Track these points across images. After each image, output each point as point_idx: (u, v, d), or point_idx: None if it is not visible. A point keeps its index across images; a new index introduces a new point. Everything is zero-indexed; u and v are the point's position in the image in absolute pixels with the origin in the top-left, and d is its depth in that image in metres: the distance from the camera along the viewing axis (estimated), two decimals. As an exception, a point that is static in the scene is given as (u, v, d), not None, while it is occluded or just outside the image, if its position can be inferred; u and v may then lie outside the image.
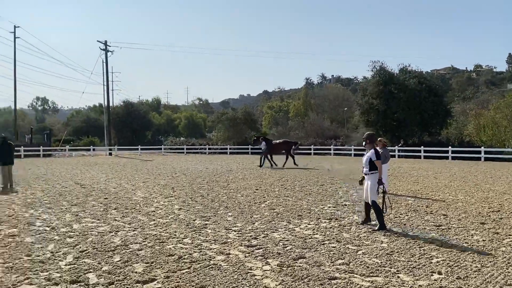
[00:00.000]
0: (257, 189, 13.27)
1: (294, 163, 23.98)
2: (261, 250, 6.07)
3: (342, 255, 5.82)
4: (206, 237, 6.91)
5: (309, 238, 6.78)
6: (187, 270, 5.18)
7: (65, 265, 5.38)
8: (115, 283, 4.71)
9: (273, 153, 24.80)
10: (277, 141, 25.73)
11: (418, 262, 5.49)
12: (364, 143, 7.74)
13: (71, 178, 17.49)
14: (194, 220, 8.31)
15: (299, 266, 5.31)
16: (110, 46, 49.94)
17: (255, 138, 26.63)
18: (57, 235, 7.09)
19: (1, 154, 14.51)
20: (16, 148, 40.21)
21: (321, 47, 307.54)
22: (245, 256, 5.75)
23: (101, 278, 4.89)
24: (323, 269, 5.17)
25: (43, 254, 5.86)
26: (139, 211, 9.39)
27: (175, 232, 7.28)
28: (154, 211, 9.39)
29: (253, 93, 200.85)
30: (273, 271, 5.13)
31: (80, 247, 6.25)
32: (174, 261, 5.55)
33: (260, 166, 23.93)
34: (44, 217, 8.75)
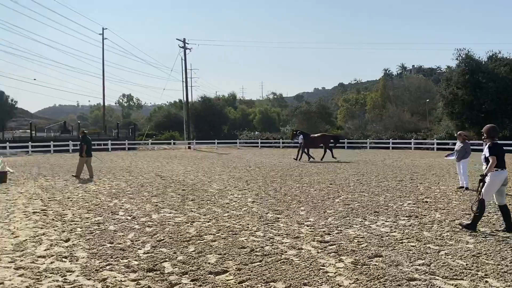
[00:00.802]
0: (331, 184, 12.98)
1: (332, 157, 24.12)
2: (334, 246, 5.87)
3: (422, 255, 5.44)
4: (278, 231, 6.85)
5: (386, 236, 6.44)
6: (258, 263, 5.15)
7: (143, 253, 5.62)
8: (188, 273, 4.81)
9: (311, 146, 25.04)
10: (315, 135, 26.00)
11: (510, 266, 4.96)
12: (482, 137, 6.99)
13: (152, 170, 18.43)
14: (266, 213, 8.30)
15: (375, 265, 5.05)
16: (188, 44, 51.82)
17: (294, 132, 26.85)
18: (137, 224, 7.45)
19: (83, 147, 15.81)
20: (104, 142, 43.45)
21: (402, 37, 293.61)
22: (318, 252, 5.60)
23: (176, 267, 5.02)
24: (401, 269, 4.86)
25: (124, 242, 6.18)
26: (214, 203, 9.60)
27: (248, 224, 7.31)
28: (228, 203, 9.53)
29: (328, 86, 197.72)
30: (347, 268, 4.92)
31: (157, 237, 6.50)
32: (246, 253, 5.55)
33: (296, 159, 24.01)
34: (127, 206, 9.26)
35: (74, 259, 5.37)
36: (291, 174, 16.28)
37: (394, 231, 6.77)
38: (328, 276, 4.68)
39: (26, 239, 6.37)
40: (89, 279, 4.62)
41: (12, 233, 6.78)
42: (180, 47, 51.24)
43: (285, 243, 6.08)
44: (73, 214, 8.37)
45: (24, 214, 8.40)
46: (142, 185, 12.98)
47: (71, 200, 10.15)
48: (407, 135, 43.35)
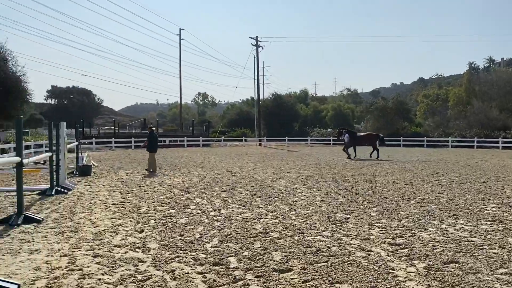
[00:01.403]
0: (406, 184, 12.37)
1: (377, 156, 23.82)
2: (406, 249, 5.56)
3: (505, 263, 4.96)
4: (347, 231, 6.64)
5: (465, 241, 5.98)
6: (324, 263, 5.02)
7: (211, 247, 5.73)
8: (253, 269, 4.82)
9: (357, 145, 25.20)
10: (361, 134, 26.56)
11: None
12: None
13: (224, 166, 18.85)
14: (335, 213, 8.10)
15: (450, 271, 4.70)
16: (260, 42, 52.32)
17: (340, 130, 26.85)
18: (207, 218, 7.63)
19: (150, 143, 16.63)
20: (180, 138, 45.33)
21: (490, 27, 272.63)
22: (388, 255, 5.34)
23: (241, 263, 5.05)
24: (479, 277, 4.48)
25: (193, 235, 6.35)
26: (282, 200, 9.56)
27: (315, 224, 7.18)
28: (296, 201, 9.45)
29: (406, 81, 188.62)
30: (419, 273, 4.63)
31: (225, 231, 6.60)
32: (312, 253, 5.44)
33: (349, 157, 24.01)
34: (198, 201, 9.54)
35: (146, 249, 5.62)
36: (364, 173, 15.78)
37: (474, 236, 6.26)
38: (398, 280, 4.43)
39: (105, 229, 6.79)
40: (158, 270, 4.80)
41: (92, 223, 7.27)
42: (252, 45, 51.95)
43: (354, 244, 5.87)
44: (148, 207, 8.79)
45: (105, 206, 8.98)
46: (213, 180, 13.31)
47: (147, 193, 10.68)
48: (494, 133, 40.20)
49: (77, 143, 17.16)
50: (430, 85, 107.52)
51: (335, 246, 5.77)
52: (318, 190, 11.16)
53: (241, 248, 5.66)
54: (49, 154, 10.62)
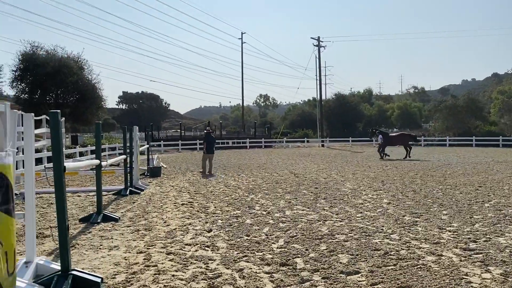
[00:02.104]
0: (480, 187, 11.72)
1: (408, 156, 24.60)
2: (480, 255, 5.31)
3: None
4: (416, 235, 6.46)
5: (548, 248, 5.59)
6: (392, 267, 4.94)
7: (277, 248, 5.84)
8: (320, 270, 4.86)
9: (390, 145, 26.42)
10: (394, 134, 27.89)
11: None
12: None
13: (286, 168, 18.93)
14: (403, 216, 7.89)
15: (532, 280, 4.43)
16: (322, 42, 51.86)
17: (373, 130, 27.98)
18: (272, 219, 7.76)
19: (206, 144, 17.11)
20: (242, 140, 46.06)
21: None
22: (461, 260, 5.13)
23: (308, 264, 5.11)
24: None
25: (259, 236, 6.50)
26: (347, 203, 9.47)
27: (383, 226, 7.05)
28: (362, 204, 9.31)
29: (479, 77, 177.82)
30: (495, 280, 4.42)
31: (290, 233, 6.68)
32: (379, 256, 5.37)
33: (382, 157, 24.82)
34: (262, 202, 9.71)
35: (215, 248, 5.85)
36: (433, 175, 15.16)
37: (559, 244, 5.83)
38: (472, 286, 4.26)
39: (176, 228, 7.14)
40: (227, 268, 4.99)
41: (164, 222, 7.67)
42: (314, 45, 51.63)
43: (423, 248, 5.71)
44: (215, 207, 9.10)
45: (175, 205, 9.41)
46: (277, 182, 13.44)
47: (213, 194, 11.03)
48: None
49: (147, 145, 18.08)
50: (506, 81, 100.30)
51: (403, 249, 5.65)
52: (385, 192, 10.90)
53: (307, 250, 5.71)
54: (124, 156, 11.31)
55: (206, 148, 17.29)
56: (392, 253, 5.48)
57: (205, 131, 20.33)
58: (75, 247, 5.97)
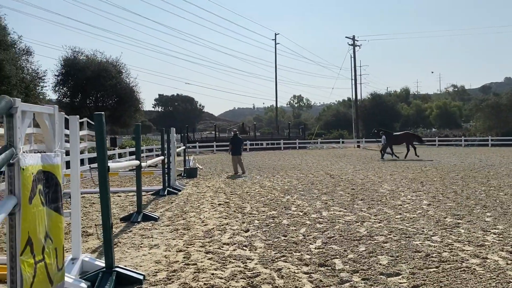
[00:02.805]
0: (526, 187, 11.23)
1: (416, 155, 25.14)
2: (529, 259, 5.10)
3: None
4: (458, 237, 6.26)
5: None
6: (434, 269, 4.82)
7: (315, 248, 5.81)
8: (359, 271, 4.80)
9: (394, 144, 26.30)
10: (397, 133, 28.24)
11: None
12: None
13: (322, 169, 18.78)
14: (444, 218, 7.67)
15: None
16: (357, 41, 51.17)
17: (375, 131, 27.57)
18: (308, 220, 7.72)
19: (233, 146, 17.30)
20: (277, 141, 46.06)
21: None
22: (507, 263, 4.94)
23: (347, 265, 5.06)
24: None
25: (296, 236, 6.49)
26: (385, 204, 9.30)
27: (423, 228, 6.88)
28: (401, 205, 9.12)
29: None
30: (546, 286, 4.23)
31: (328, 233, 6.63)
32: (420, 258, 5.25)
33: (383, 157, 24.98)
34: (298, 203, 9.68)
35: (253, 248, 5.88)
36: (475, 176, 14.65)
37: None
38: (521, 292, 4.10)
39: (213, 228, 7.23)
40: (266, 268, 5.01)
41: (202, 221, 7.78)
42: (349, 44, 51.01)
43: (467, 250, 5.53)
44: (251, 207, 9.15)
45: (211, 206, 9.54)
46: (312, 183, 13.35)
47: (249, 195, 11.10)
48: None
49: (184, 147, 18.41)
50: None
51: (445, 251, 5.49)
52: (425, 194, 10.63)
53: (345, 251, 5.65)
54: (162, 157, 11.56)
55: (232, 150, 17.49)
56: (433, 255, 5.34)
57: (232, 133, 20.98)
58: (117, 245, 6.16)
